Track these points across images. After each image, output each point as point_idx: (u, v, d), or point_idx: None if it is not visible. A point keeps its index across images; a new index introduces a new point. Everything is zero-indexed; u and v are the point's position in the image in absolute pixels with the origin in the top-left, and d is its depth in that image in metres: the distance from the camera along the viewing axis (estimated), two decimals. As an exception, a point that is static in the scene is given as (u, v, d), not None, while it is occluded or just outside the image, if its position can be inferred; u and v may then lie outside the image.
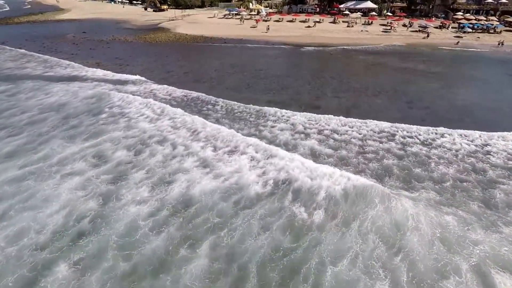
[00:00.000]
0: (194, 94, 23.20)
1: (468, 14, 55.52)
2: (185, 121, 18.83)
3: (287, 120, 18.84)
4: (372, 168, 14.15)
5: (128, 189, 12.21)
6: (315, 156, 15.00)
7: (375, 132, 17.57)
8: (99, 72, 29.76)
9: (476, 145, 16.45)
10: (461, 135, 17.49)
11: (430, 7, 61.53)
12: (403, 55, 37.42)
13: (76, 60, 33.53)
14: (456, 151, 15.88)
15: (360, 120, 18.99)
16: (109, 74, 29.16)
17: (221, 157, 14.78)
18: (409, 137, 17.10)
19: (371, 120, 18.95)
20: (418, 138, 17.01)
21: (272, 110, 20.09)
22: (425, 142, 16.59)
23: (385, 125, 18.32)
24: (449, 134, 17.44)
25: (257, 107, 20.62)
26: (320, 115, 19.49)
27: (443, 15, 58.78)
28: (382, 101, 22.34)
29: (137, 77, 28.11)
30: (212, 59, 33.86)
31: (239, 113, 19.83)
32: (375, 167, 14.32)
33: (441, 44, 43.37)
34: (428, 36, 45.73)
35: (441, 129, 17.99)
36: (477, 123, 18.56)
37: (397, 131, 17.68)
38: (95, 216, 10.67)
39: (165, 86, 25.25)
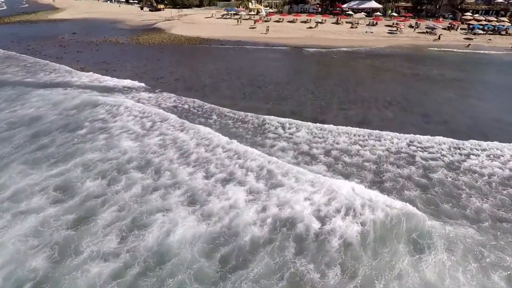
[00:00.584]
0: (185, 105, 20.84)
1: (477, 15, 53.08)
2: (176, 138, 16.52)
3: (290, 138, 16.44)
4: (392, 203, 11.76)
5: (92, 236, 9.80)
6: (323, 186, 12.62)
7: (391, 153, 15.19)
8: (85, 78, 27.38)
9: (510, 169, 14.09)
10: (489, 155, 15.19)
11: (437, 7, 59.05)
12: (412, 58, 35.01)
13: (61, 64, 31.13)
14: (489, 177, 13.51)
15: (373, 135, 16.74)
16: (96, 80, 26.80)
17: (213, 188, 12.44)
18: (431, 159, 14.71)
19: (386, 134, 16.73)
20: (442, 160, 14.65)
21: (272, 125, 17.73)
22: (451, 166, 14.20)
23: (402, 144, 15.96)
24: (475, 155, 15.09)
25: (256, 121, 18.29)
26: (327, 126, 17.51)
27: (450, 16, 56.31)
28: (394, 114, 19.90)
29: (127, 82, 25.79)
30: (207, 63, 31.41)
31: (234, 129, 17.44)
32: (395, 200, 11.94)
33: (451, 47, 40.93)
34: (439, 38, 43.26)
35: (467, 146, 15.79)
36: (504, 140, 16.25)
37: (417, 151, 15.32)
38: (40, 280, 8.25)
39: (155, 94, 22.93)
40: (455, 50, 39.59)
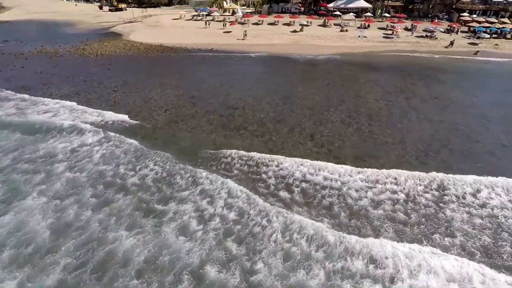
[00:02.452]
0: (130, 174, 13.22)
1: (475, 16, 48.27)
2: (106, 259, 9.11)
3: (293, 248, 9.35)
4: None
5: None
6: None
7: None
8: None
9: None
10: None
11: (430, 6, 53.93)
12: (420, 71, 28.83)
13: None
14: None
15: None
16: (15, 115, 18.66)
17: None
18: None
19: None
20: None
21: (257, 221, 10.54)
22: None
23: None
24: None
25: (235, 211, 11.06)
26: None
27: (446, 16, 51.33)
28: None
29: (66, 121, 17.83)
30: (164, 87, 23.53)
31: (199, 229, 10.13)
32: None
33: (456, 54, 35.52)
34: (451, 44, 37.70)
35: None
36: None
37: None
38: None
39: (86, 148, 15.21)
40: (461, 57, 34.21)
